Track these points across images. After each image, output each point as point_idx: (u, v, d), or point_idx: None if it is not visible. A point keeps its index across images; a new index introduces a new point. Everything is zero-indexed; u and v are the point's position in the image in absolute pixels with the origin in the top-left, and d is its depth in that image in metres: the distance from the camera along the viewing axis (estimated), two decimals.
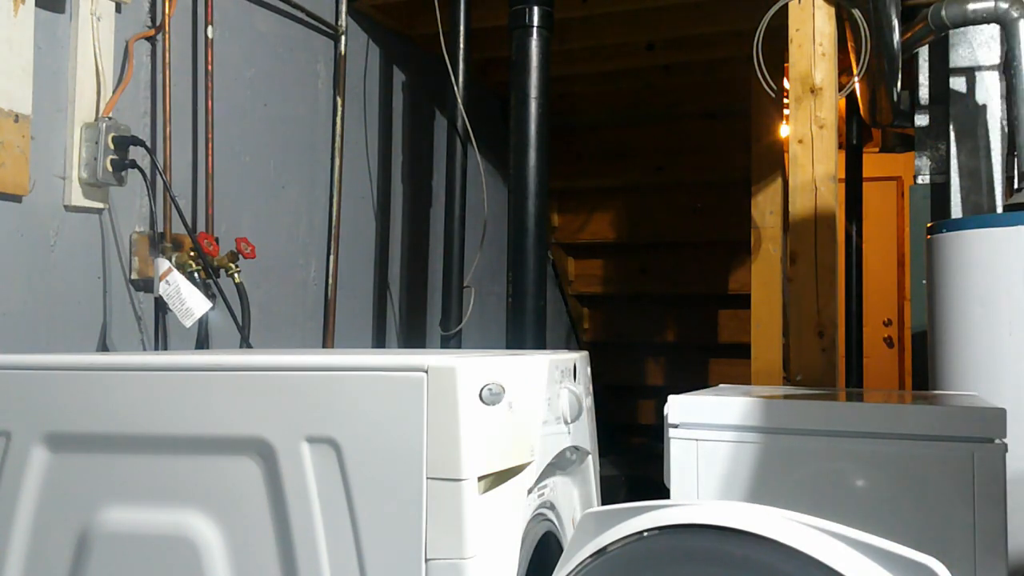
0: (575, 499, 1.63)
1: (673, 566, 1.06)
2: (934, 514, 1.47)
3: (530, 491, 1.36)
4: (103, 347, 1.96)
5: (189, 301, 1.93)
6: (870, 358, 4.33)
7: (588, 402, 1.64)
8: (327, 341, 2.68)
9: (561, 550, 1.16)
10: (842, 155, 3.22)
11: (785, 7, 2.24)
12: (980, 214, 2.65)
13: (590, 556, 1.10)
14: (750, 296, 3.35)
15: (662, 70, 3.68)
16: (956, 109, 2.76)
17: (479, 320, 3.08)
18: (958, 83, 2.76)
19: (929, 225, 2.32)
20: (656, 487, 1.69)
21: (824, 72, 2.19)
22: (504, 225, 2.45)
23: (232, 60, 2.34)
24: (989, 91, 2.72)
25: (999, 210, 2.62)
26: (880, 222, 5.06)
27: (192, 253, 2.06)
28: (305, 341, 2.62)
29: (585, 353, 1.70)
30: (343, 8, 2.75)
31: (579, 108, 4.17)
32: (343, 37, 2.75)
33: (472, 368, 1.20)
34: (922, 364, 2.50)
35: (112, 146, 1.90)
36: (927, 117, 2.88)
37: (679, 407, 1.64)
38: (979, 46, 2.73)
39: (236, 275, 2.11)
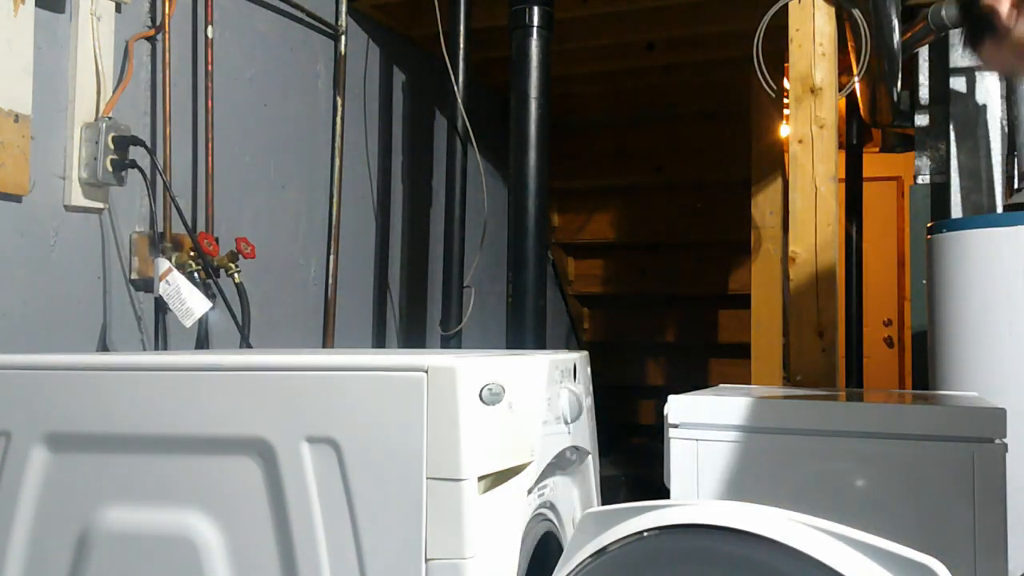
0: (575, 499, 1.63)
1: (673, 566, 1.06)
2: (934, 514, 1.47)
3: (530, 491, 1.36)
4: (103, 347, 1.96)
5: (189, 301, 1.93)
6: (870, 358, 4.32)
7: (588, 402, 1.64)
8: (327, 341, 2.68)
9: (561, 550, 1.16)
10: (842, 155, 3.22)
11: (785, 7, 2.24)
12: (980, 214, 2.65)
13: (590, 556, 1.10)
14: (750, 296, 3.35)
15: (662, 70, 3.68)
16: (956, 109, 2.76)
17: (479, 320, 3.08)
18: (958, 83, 2.76)
19: (929, 225, 2.31)
20: (656, 487, 1.69)
21: (824, 72, 2.19)
22: (504, 225, 2.44)
23: (232, 60, 2.34)
24: (989, 91, 2.72)
25: (999, 210, 2.62)
26: (880, 222, 5.05)
27: (192, 253, 2.06)
28: (305, 341, 2.62)
29: (585, 353, 1.69)
30: (343, 8, 2.75)
31: (579, 108, 4.16)
32: (343, 37, 2.75)
33: (472, 368, 1.20)
34: (922, 364, 2.49)
35: (112, 146, 1.90)
36: (927, 117, 2.88)
37: (679, 407, 1.64)
38: None
39: (236, 275, 2.11)
